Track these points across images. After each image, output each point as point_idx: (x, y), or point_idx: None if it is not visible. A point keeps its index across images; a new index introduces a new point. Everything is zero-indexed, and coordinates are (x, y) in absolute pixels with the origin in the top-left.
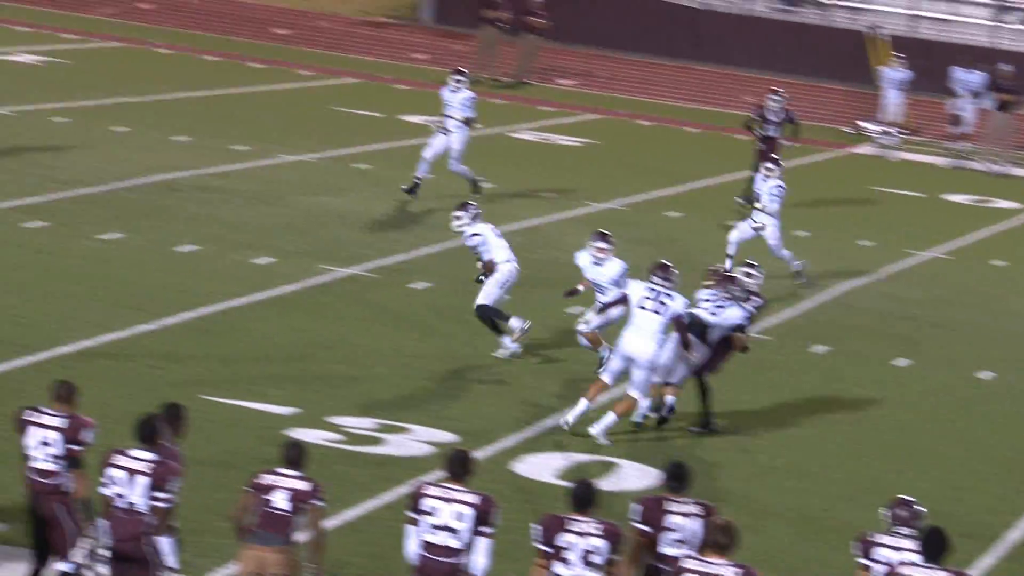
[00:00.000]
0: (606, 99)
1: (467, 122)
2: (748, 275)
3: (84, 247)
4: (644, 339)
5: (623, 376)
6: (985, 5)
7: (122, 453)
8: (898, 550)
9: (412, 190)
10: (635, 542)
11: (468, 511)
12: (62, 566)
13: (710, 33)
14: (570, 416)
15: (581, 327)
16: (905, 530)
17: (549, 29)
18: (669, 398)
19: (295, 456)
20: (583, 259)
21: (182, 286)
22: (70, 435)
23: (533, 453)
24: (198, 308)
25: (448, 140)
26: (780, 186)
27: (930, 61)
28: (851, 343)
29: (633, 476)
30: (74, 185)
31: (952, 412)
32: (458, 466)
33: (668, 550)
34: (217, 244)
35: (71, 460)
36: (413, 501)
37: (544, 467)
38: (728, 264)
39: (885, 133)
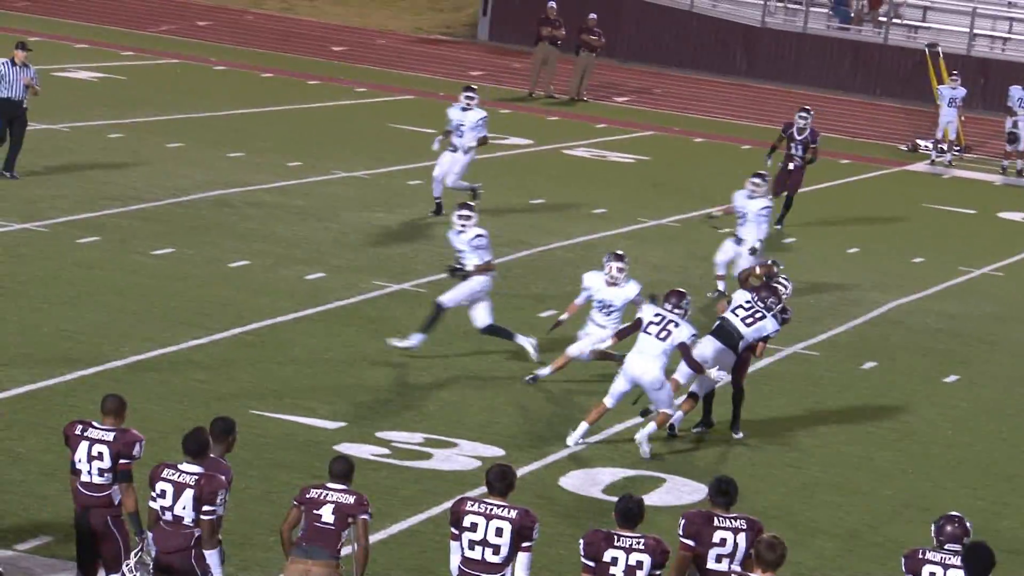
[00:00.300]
0: (660, 116)
1: (481, 142)
2: (783, 285)
3: (136, 262)
4: (647, 362)
5: (627, 396)
6: None
7: (170, 466)
8: (946, 567)
9: (437, 211)
10: (681, 557)
11: (508, 526)
12: None
13: (766, 51)
14: (570, 439)
15: (596, 346)
16: (954, 546)
17: (604, 46)
18: (678, 413)
19: (342, 470)
20: (593, 280)
21: (233, 301)
22: (120, 449)
23: (580, 468)
24: (249, 323)
25: (455, 159)
26: (768, 207)
27: (986, 79)
28: (900, 359)
29: (679, 491)
30: (127, 201)
31: (1001, 429)
32: (498, 480)
33: (714, 565)
34: (269, 259)
35: (121, 474)
36: (453, 516)
37: (591, 482)
38: (721, 285)
39: (940, 150)
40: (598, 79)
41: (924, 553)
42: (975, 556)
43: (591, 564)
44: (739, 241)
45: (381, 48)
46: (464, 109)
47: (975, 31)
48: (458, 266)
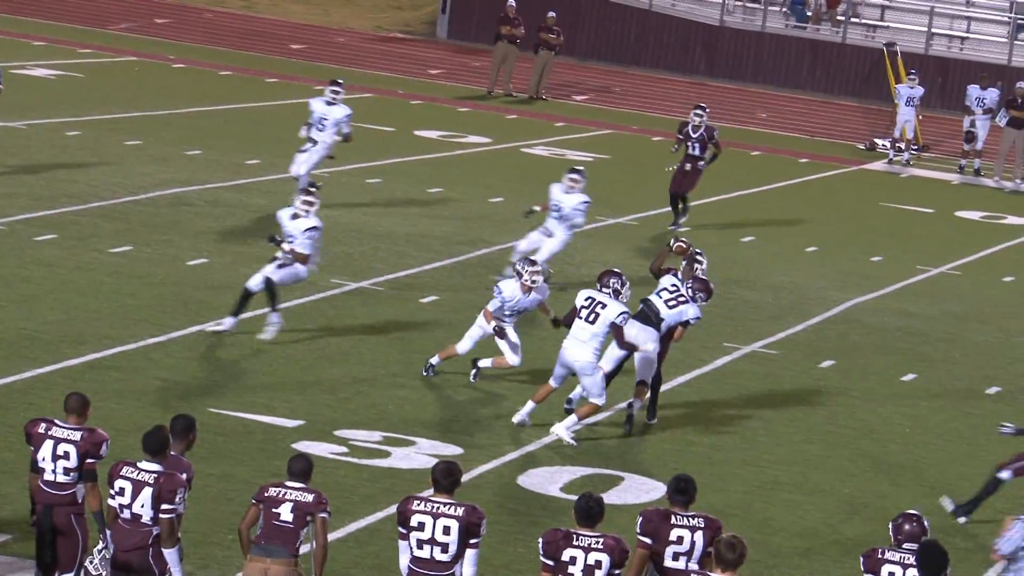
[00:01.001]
0: (620, 115)
1: (346, 139)
2: (699, 261)
3: (94, 260)
4: (579, 347)
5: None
6: (1001, 23)
7: (129, 464)
8: (905, 566)
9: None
10: (639, 555)
11: (455, 524)
12: None
13: (725, 49)
14: (516, 416)
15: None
16: (912, 545)
17: (563, 45)
18: (636, 401)
19: (301, 468)
20: (510, 287)
21: (192, 299)
22: (87, 449)
23: (538, 466)
24: (207, 321)
25: (310, 151)
26: (587, 201)
27: (944, 78)
28: (859, 358)
29: (638, 489)
30: (86, 198)
31: (959, 428)
32: (444, 477)
33: (671, 563)
34: (227, 257)
35: (86, 473)
36: (401, 516)
37: (549, 480)
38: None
39: (898, 149)
40: (557, 78)
41: (883, 552)
42: (928, 555)
43: (550, 563)
44: (549, 234)
45: (341, 46)
46: (329, 103)
47: (933, 30)
48: (280, 239)
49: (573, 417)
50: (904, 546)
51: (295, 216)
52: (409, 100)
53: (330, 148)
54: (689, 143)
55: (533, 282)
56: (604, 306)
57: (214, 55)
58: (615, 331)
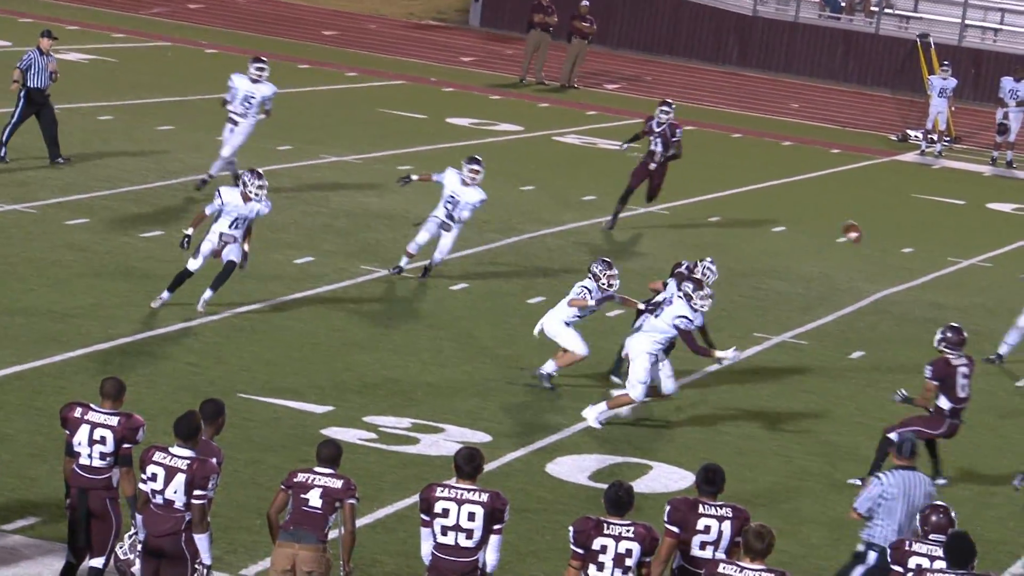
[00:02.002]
0: (652, 104)
1: (266, 115)
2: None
3: (126, 245)
4: (638, 337)
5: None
6: None
7: (162, 450)
8: (932, 558)
9: (201, 186)
10: (666, 543)
11: (480, 510)
12: (96, 562)
13: (759, 39)
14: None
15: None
16: (939, 537)
17: (596, 33)
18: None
19: (330, 454)
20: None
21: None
22: (123, 434)
23: (567, 454)
24: (238, 307)
25: (232, 129)
26: (484, 199)
27: (978, 70)
28: (889, 349)
29: (667, 478)
30: (117, 183)
31: (991, 420)
32: (467, 463)
33: (698, 552)
34: (259, 243)
35: (122, 458)
36: (424, 503)
37: (577, 468)
38: (404, 261)
39: (930, 141)
40: (589, 66)
41: (910, 544)
42: (955, 546)
43: (580, 551)
44: (447, 227)
45: (373, 33)
46: (254, 81)
47: (967, 22)
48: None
49: (603, 404)
50: (931, 538)
51: (252, 201)
52: (441, 87)
53: (253, 125)
54: (653, 138)
55: (610, 284)
56: (671, 304)
57: (246, 41)
58: (680, 334)
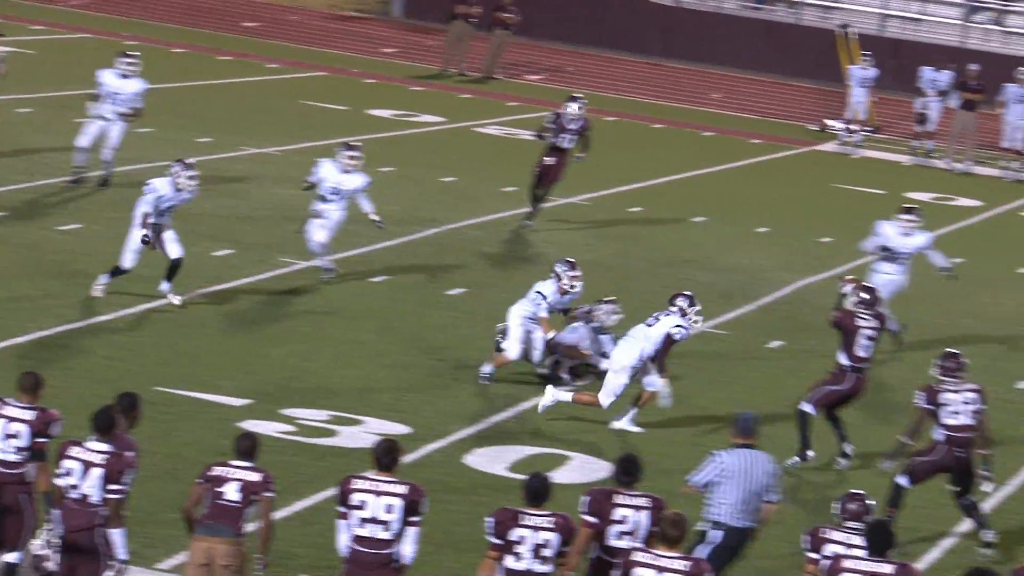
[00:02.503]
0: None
1: (136, 114)
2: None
3: (44, 238)
4: (625, 345)
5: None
6: (955, 4)
7: (78, 444)
8: (848, 546)
9: (76, 181)
10: (584, 533)
11: (398, 502)
12: (10, 557)
13: (680, 30)
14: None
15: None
16: (855, 524)
17: (518, 24)
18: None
19: (247, 447)
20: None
21: (140, 277)
22: (38, 428)
23: (485, 446)
24: (156, 299)
25: (106, 128)
26: (369, 181)
27: (898, 60)
28: (807, 338)
29: (585, 468)
30: (35, 176)
31: (907, 409)
32: (385, 455)
33: (616, 542)
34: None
35: (36, 452)
36: (342, 495)
37: (496, 459)
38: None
39: (850, 130)
40: (512, 57)
41: (827, 531)
42: (875, 534)
43: (498, 542)
44: (324, 215)
45: (294, 24)
46: (123, 76)
47: (887, 11)
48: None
49: (568, 396)
50: (847, 525)
51: (183, 191)
52: (362, 79)
53: (127, 122)
54: (563, 135)
55: (572, 286)
56: (667, 315)
57: (166, 32)
58: (666, 342)
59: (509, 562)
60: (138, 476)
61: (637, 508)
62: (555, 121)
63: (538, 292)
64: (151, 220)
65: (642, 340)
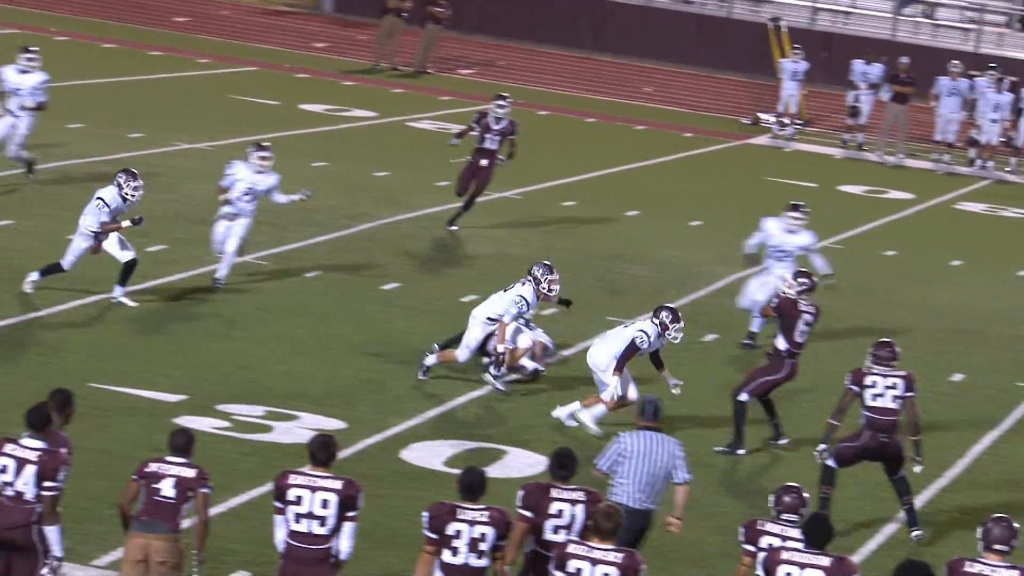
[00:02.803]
0: (505, 89)
1: (39, 107)
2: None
3: None
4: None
5: None
6: None
7: (12, 441)
8: (784, 538)
9: None
10: (520, 528)
11: (333, 497)
12: None
13: (611, 24)
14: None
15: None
16: (790, 516)
17: (449, 19)
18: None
19: (182, 443)
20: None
21: (72, 274)
22: None
23: (422, 440)
24: (88, 296)
25: (14, 124)
26: (279, 179)
27: (829, 52)
28: (741, 331)
29: (521, 463)
30: None
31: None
32: (321, 450)
33: (552, 536)
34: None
35: None
36: (278, 490)
37: (432, 454)
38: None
39: (782, 124)
40: (443, 52)
41: (763, 524)
42: (813, 527)
43: (434, 537)
44: (232, 217)
45: (225, 19)
46: (22, 71)
47: (818, 5)
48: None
49: (576, 404)
50: (783, 517)
51: (126, 200)
52: (294, 74)
53: (30, 118)
54: (488, 135)
55: (551, 290)
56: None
57: (96, 27)
58: (629, 347)
59: (446, 557)
60: (73, 473)
61: (573, 502)
62: (479, 121)
63: (520, 296)
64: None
65: (616, 339)
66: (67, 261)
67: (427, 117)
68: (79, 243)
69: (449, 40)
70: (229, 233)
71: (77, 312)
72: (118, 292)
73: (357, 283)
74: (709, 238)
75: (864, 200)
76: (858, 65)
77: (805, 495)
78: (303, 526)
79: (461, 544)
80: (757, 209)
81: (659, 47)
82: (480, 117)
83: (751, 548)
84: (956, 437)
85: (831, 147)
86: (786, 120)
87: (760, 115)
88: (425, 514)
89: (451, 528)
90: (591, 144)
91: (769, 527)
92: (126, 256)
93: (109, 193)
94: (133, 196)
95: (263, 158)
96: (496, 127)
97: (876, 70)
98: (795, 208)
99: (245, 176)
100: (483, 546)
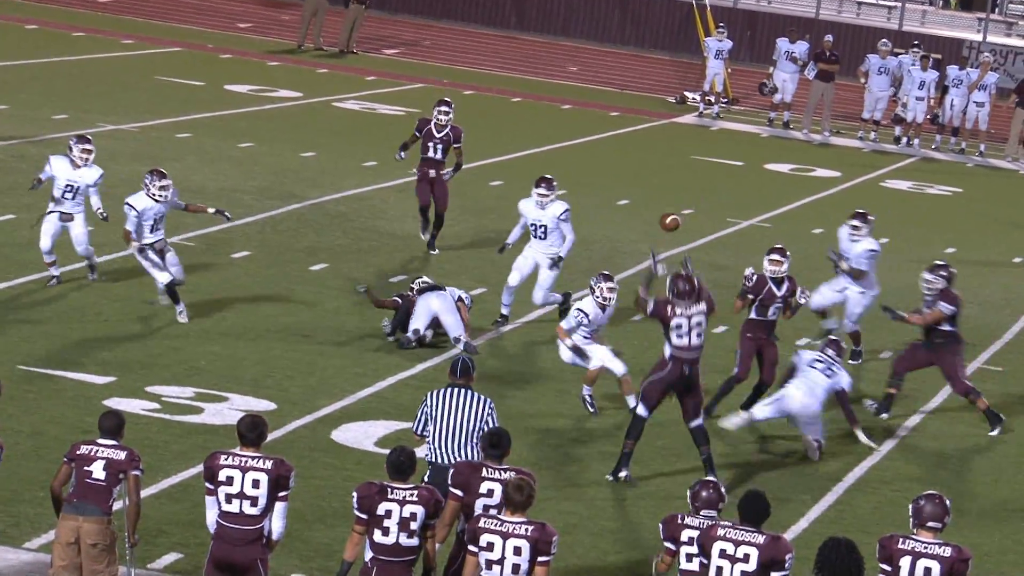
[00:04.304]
0: (430, 68)
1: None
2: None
3: None
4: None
5: None
6: None
7: None
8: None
9: None
10: (450, 506)
11: (264, 477)
12: None
13: (535, 2)
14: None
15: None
16: (709, 512)
17: None
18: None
19: (112, 425)
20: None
21: (3, 257)
22: None
23: (353, 421)
24: (16, 278)
25: None
26: (103, 174)
27: (753, 31)
28: None
29: None
30: None
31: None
32: (250, 431)
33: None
34: (35, 213)
35: None
36: (208, 472)
37: (363, 435)
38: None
39: (708, 103)
40: (368, 31)
41: (684, 519)
42: (750, 504)
43: (364, 516)
44: (68, 217)
45: (149, 0)
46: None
47: None
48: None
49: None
50: (702, 513)
51: (157, 201)
52: (219, 55)
53: None
54: (431, 144)
55: (608, 299)
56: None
57: (19, 9)
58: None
59: (377, 536)
60: (2, 455)
61: (503, 482)
62: (420, 128)
63: (579, 310)
64: (142, 240)
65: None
66: (167, 276)
67: (353, 97)
68: (155, 258)
69: (373, 20)
70: (73, 238)
71: (5, 294)
72: (179, 308)
73: (286, 264)
74: (635, 217)
75: (791, 178)
76: (782, 43)
77: (723, 490)
78: (234, 507)
79: (392, 523)
80: (685, 188)
81: (582, 26)
82: (422, 124)
83: (671, 546)
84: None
85: (757, 126)
86: (711, 99)
87: (686, 93)
88: (355, 494)
89: (382, 507)
90: (517, 123)
91: (690, 522)
92: (168, 277)
93: (138, 198)
94: (160, 195)
95: (85, 151)
96: (439, 135)
97: (801, 48)
98: (544, 182)
99: (64, 172)
100: (414, 525)
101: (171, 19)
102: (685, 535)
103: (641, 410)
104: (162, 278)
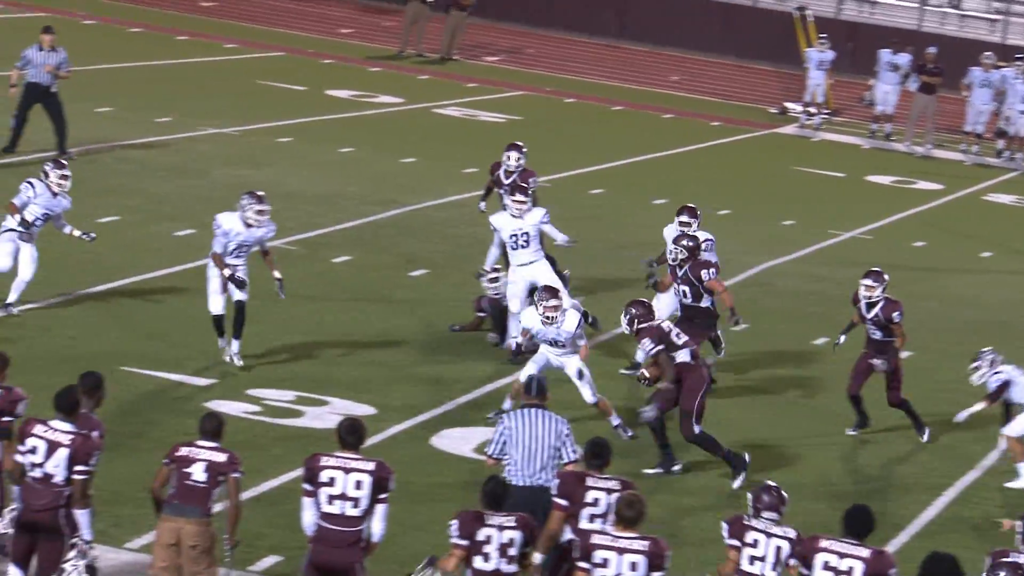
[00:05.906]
0: (532, 76)
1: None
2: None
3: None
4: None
5: None
6: None
7: (42, 423)
8: (769, 535)
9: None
10: (555, 516)
11: (367, 478)
12: None
13: (637, 11)
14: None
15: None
16: (770, 515)
17: (476, 5)
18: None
19: (213, 428)
20: (231, 221)
21: (102, 258)
22: (5, 407)
23: (452, 427)
24: (118, 280)
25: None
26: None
27: (855, 42)
28: (770, 321)
29: None
30: None
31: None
32: (350, 434)
33: (587, 524)
34: (138, 216)
35: (2, 431)
36: (308, 472)
37: (463, 441)
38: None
39: (809, 113)
40: (469, 38)
41: (748, 520)
42: (855, 517)
43: (465, 543)
44: (27, 238)
45: (251, 4)
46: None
47: None
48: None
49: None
50: (763, 515)
51: (249, 225)
52: (320, 59)
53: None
54: (501, 192)
55: (549, 318)
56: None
57: (123, 12)
58: None
59: (477, 563)
60: (103, 456)
61: (608, 491)
62: (493, 171)
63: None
64: (228, 265)
65: None
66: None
67: (453, 104)
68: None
69: (474, 27)
70: (20, 259)
71: (107, 295)
72: (233, 347)
73: (386, 269)
74: (737, 227)
75: (892, 190)
76: (884, 55)
77: (784, 494)
78: (336, 508)
79: (491, 550)
80: (785, 199)
81: (684, 35)
82: (494, 168)
83: (736, 543)
84: (985, 431)
85: (859, 137)
86: (813, 109)
87: (787, 104)
88: (454, 522)
89: (481, 534)
90: (618, 131)
91: (754, 523)
92: (236, 296)
93: (228, 218)
94: (256, 220)
95: (63, 177)
96: (507, 181)
97: (903, 60)
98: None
99: (42, 198)
100: (512, 551)
101: (273, 24)
102: (750, 537)
103: (697, 428)
104: (215, 307)
